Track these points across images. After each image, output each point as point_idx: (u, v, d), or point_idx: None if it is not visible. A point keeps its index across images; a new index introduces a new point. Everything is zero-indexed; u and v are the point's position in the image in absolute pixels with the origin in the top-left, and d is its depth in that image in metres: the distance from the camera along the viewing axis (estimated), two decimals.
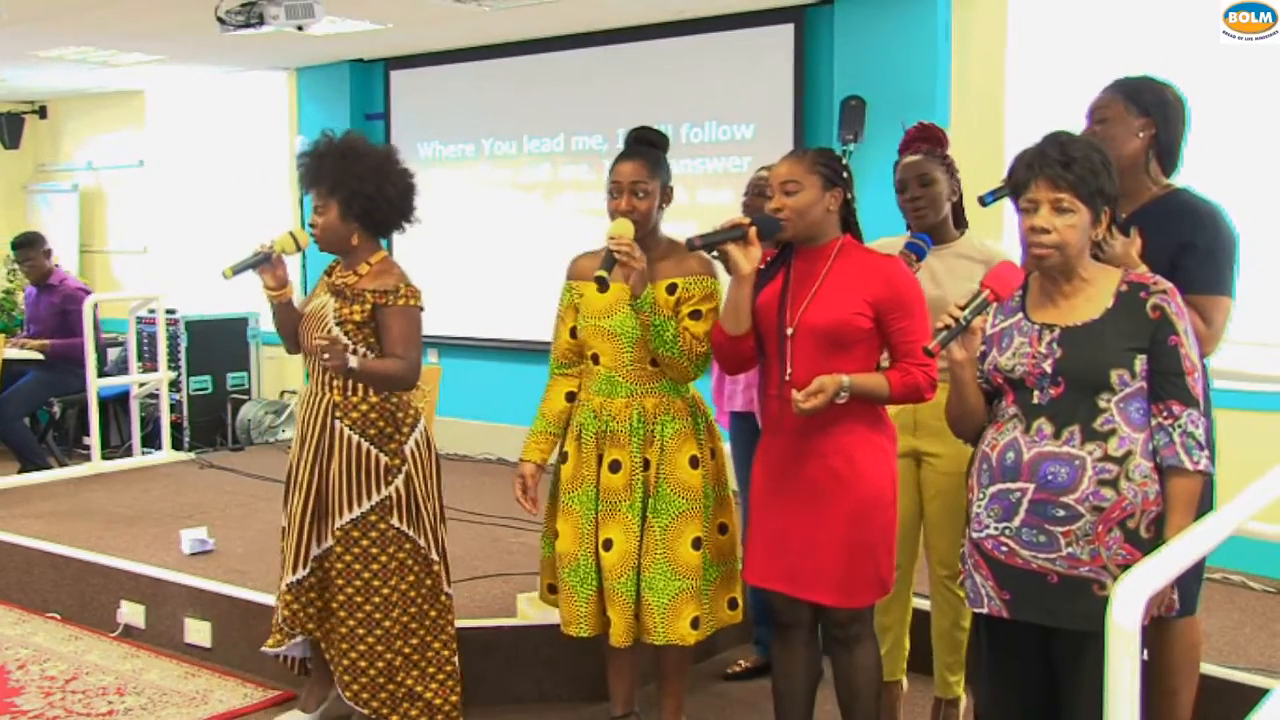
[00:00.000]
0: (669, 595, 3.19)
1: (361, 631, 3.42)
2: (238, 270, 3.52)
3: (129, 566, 4.67)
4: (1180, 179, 3.04)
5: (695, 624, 3.23)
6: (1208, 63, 4.88)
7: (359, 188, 3.43)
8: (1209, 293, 2.84)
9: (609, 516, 3.25)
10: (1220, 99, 4.91)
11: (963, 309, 2.47)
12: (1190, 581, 2.88)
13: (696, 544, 3.22)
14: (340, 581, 3.42)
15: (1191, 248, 2.85)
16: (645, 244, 3.27)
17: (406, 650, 3.46)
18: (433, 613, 3.51)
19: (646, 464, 3.24)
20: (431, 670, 3.50)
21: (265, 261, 3.53)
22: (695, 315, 3.22)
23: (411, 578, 3.46)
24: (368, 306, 3.42)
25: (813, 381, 2.83)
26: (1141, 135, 2.93)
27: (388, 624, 3.43)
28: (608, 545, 3.24)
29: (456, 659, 3.56)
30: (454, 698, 3.53)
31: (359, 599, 3.42)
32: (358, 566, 3.42)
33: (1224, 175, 4.57)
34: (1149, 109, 2.94)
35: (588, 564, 3.26)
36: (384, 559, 3.43)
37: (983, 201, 2.98)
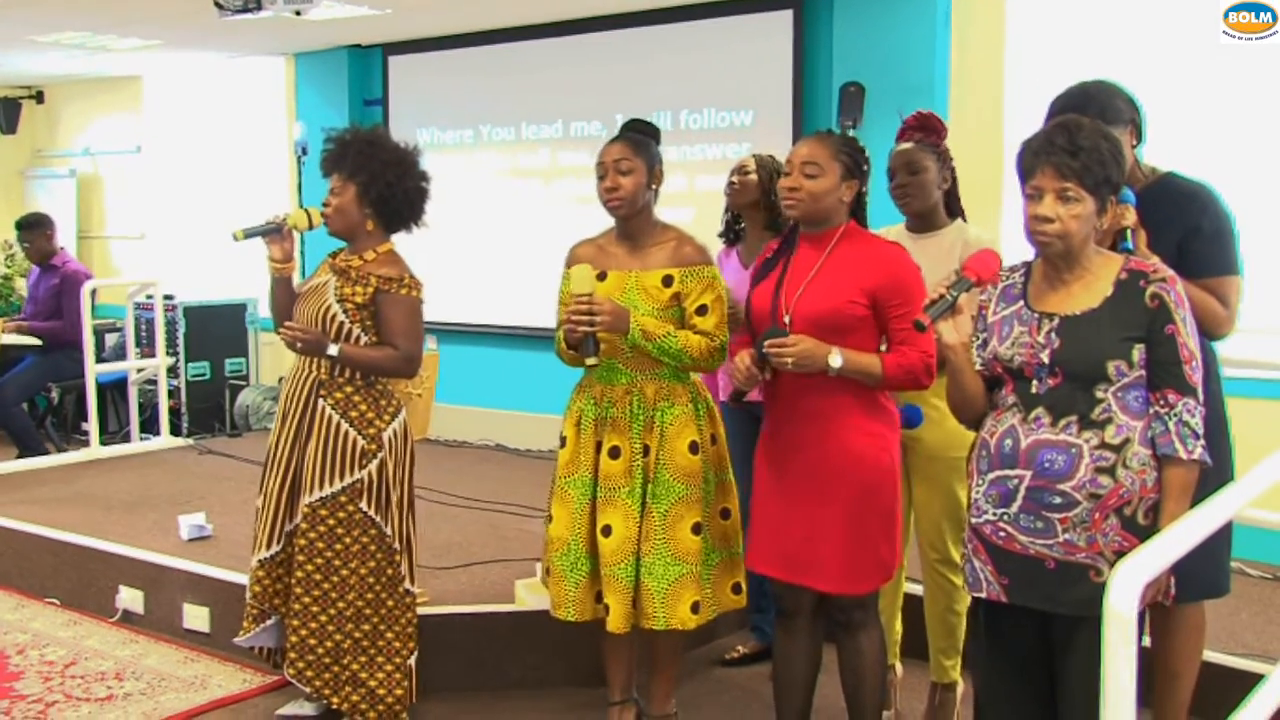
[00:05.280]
0: (669, 580, 3.19)
1: (315, 609, 3.44)
2: (250, 234, 3.52)
3: (128, 552, 4.68)
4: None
5: (695, 609, 3.23)
6: (1208, 63, 4.87)
7: (380, 173, 3.48)
8: (1223, 274, 2.85)
9: (608, 503, 3.25)
10: (1220, 99, 4.90)
11: (948, 288, 2.48)
12: (1200, 563, 2.86)
13: (696, 529, 3.23)
14: (301, 558, 3.43)
15: (1198, 231, 2.85)
16: (637, 227, 3.29)
17: (357, 635, 3.47)
18: (390, 602, 3.51)
19: (646, 450, 3.24)
20: (380, 660, 3.50)
21: (276, 232, 3.55)
22: (701, 310, 3.22)
23: (373, 564, 3.47)
24: (370, 290, 3.45)
25: (797, 338, 2.85)
26: (1128, 133, 2.91)
27: (341, 605, 3.44)
28: (606, 531, 3.23)
29: (413, 659, 3.55)
30: (399, 691, 3.51)
31: (317, 577, 3.43)
32: (320, 545, 3.43)
33: (1224, 174, 4.55)
34: (1124, 112, 2.89)
35: (579, 549, 3.27)
36: (347, 540, 3.44)
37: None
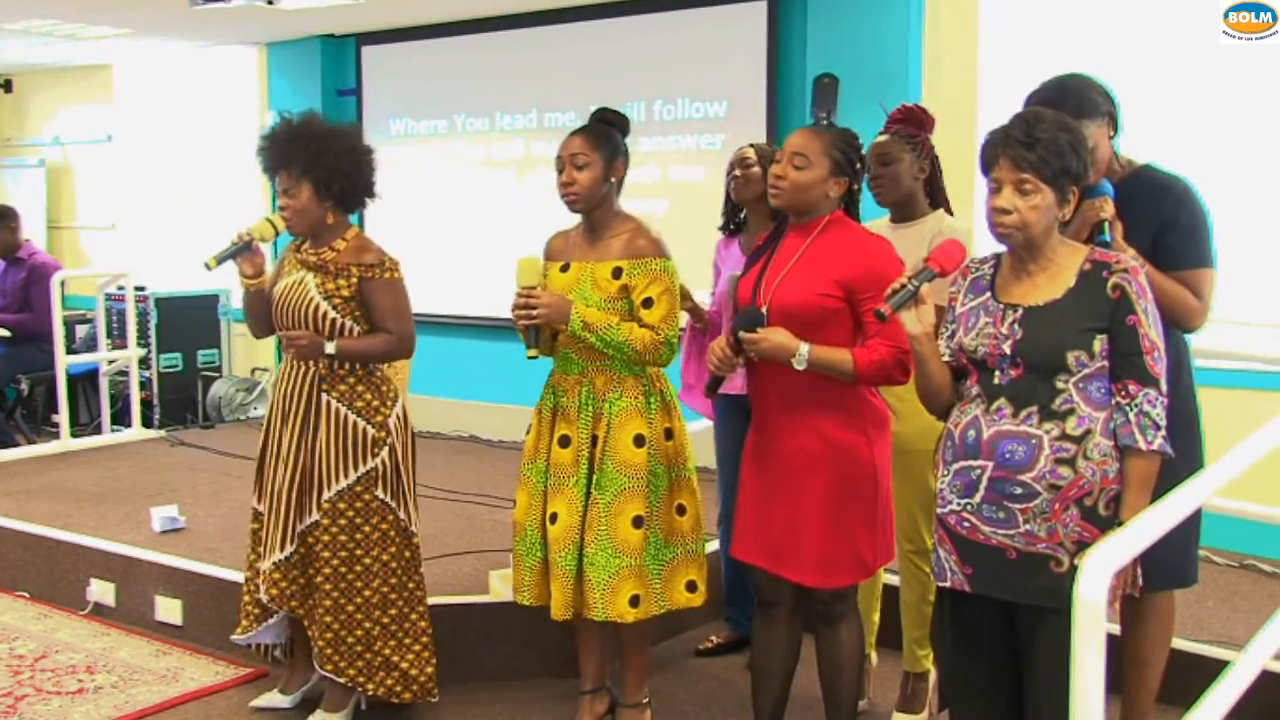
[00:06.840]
0: (609, 572, 3.21)
1: (343, 601, 3.44)
2: (221, 260, 3.49)
3: (99, 544, 4.65)
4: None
5: (634, 602, 3.23)
6: (1208, 63, 4.89)
7: (336, 166, 3.43)
8: (1197, 267, 2.87)
9: (556, 491, 3.29)
10: (1220, 99, 4.92)
11: (910, 278, 2.51)
12: (1169, 553, 2.89)
13: (638, 522, 3.23)
14: (326, 554, 3.42)
15: (1174, 225, 2.86)
16: (596, 219, 3.29)
17: (385, 620, 3.48)
18: (410, 584, 3.53)
19: (595, 440, 3.26)
20: (408, 641, 3.52)
21: (245, 250, 3.52)
22: (647, 303, 3.22)
23: (393, 549, 3.49)
24: (354, 280, 3.43)
25: (769, 330, 2.87)
26: (1105, 126, 2.92)
27: (368, 593, 3.45)
28: (553, 519, 3.28)
29: (430, 632, 3.58)
30: (429, 669, 3.55)
31: (342, 569, 3.43)
32: (343, 538, 3.43)
33: (1223, 174, 4.58)
34: (1101, 105, 2.90)
35: (534, 535, 3.32)
36: (367, 529, 3.44)
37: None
